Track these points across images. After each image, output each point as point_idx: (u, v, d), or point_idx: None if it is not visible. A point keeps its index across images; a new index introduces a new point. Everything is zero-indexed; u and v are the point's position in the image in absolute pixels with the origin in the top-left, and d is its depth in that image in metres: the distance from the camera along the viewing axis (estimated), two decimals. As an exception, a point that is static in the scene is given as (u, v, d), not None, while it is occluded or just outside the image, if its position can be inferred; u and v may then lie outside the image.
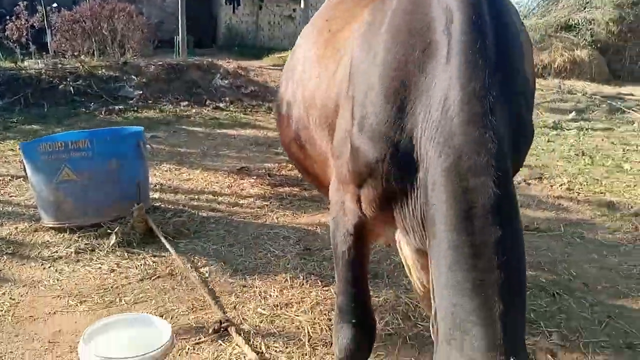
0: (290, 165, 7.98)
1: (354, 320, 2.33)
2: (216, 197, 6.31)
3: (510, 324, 1.44)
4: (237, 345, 3.32)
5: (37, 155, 4.87)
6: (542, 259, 4.83)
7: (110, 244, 4.68)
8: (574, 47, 17.11)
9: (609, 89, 15.08)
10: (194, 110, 11.27)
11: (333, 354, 3.18)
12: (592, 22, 17.38)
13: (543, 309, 3.97)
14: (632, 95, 14.02)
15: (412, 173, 1.67)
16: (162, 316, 3.53)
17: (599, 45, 17.27)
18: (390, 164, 1.72)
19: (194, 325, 3.59)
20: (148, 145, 5.34)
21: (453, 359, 1.45)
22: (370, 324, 2.41)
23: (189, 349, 3.34)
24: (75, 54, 12.03)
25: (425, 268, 1.81)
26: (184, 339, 3.42)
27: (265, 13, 21.12)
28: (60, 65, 11.28)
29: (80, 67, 11.26)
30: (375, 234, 2.19)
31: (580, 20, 17.52)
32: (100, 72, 11.51)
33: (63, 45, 12.01)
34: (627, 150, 9.17)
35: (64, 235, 4.93)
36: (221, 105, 11.68)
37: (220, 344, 3.37)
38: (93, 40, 12.06)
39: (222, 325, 3.49)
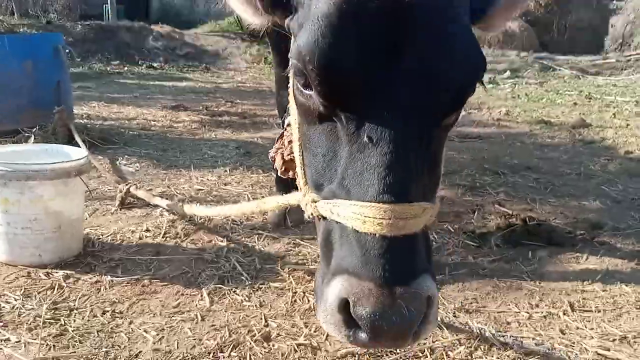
0: (230, 102, 7.69)
1: None
2: (149, 122, 5.92)
3: None
4: (141, 199, 3.07)
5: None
6: (485, 155, 4.80)
7: (28, 147, 4.23)
8: (505, 20, 17.70)
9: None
10: (125, 68, 10.70)
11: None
12: (522, -5, 18.07)
13: (488, 182, 3.91)
14: (562, 56, 14.63)
15: None
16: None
17: (529, 17, 17.94)
18: None
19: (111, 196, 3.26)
20: (69, 50, 4.89)
21: None
22: None
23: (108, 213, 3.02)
24: (-7, 14, 11.16)
25: None
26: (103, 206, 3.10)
27: (200, -12, 20.53)
28: (-25, 23, 10.42)
29: (-1, 24, 10.45)
30: None
31: (510, -6, 18.16)
32: (21, 30, 10.71)
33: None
34: (560, 93, 9.48)
35: (-26, 144, 4.43)
36: (154, 64, 11.17)
37: (133, 212, 3.07)
38: (13, 0, 11.19)
39: (125, 188, 3.14)
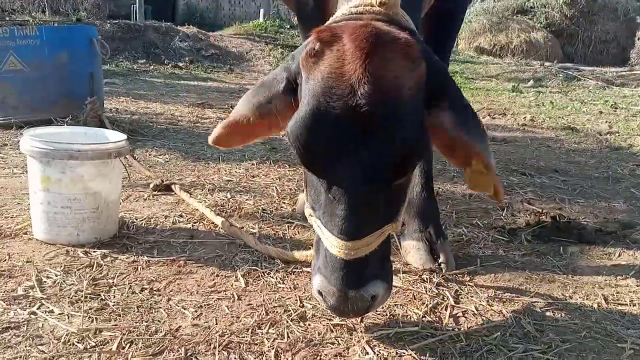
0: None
1: None
2: (176, 117, 6.02)
3: None
4: (182, 200, 3.08)
5: (-20, 42, 4.48)
6: (511, 157, 4.79)
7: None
8: (529, 29, 17.58)
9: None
10: (152, 67, 10.87)
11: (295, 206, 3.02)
12: (547, 5, 17.92)
13: (515, 182, 3.90)
14: (587, 67, 14.47)
15: None
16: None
17: (553, 28, 17.81)
18: None
19: (143, 184, 3.33)
20: (103, 43, 5.00)
21: None
22: None
23: (141, 199, 3.08)
24: (26, 11, 11.43)
25: None
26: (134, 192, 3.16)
27: (226, -9, 20.83)
28: (8, 19, 10.68)
29: (31, 21, 10.68)
30: None
31: (535, 4, 18.04)
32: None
33: (13, 1, 11.39)
34: (584, 103, 9.38)
35: (10, 132, 4.55)
36: (180, 64, 11.32)
37: (165, 198, 3.12)
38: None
39: (164, 183, 3.24)
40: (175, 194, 3.17)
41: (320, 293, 1.55)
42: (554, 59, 16.44)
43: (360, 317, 1.83)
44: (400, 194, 1.60)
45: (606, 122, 7.01)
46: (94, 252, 2.38)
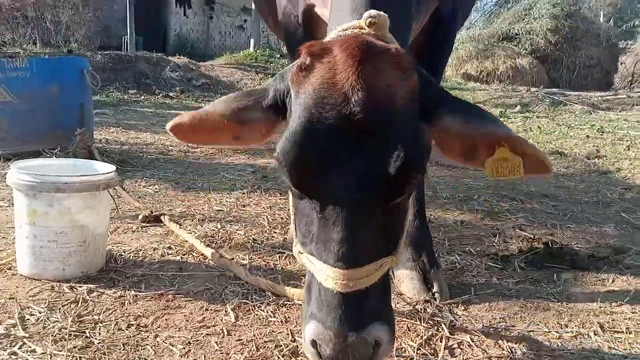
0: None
1: None
2: (167, 147, 6.00)
3: None
4: (171, 230, 3.04)
5: (-30, 74, 4.47)
6: (501, 183, 4.78)
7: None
8: (515, 55, 17.91)
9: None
10: (142, 97, 10.90)
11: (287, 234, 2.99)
12: (532, 32, 18.30)
13: (506, 208, 3.90)
14: (572, 92, 14.71)
15: None
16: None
17: (538, 54, 18.16)
18: None
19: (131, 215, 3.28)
20: (94, 74, 5.01)
21: None
22: None
23: (129, 231, 3.04)
24: (17, 43, 11.48)
25: None
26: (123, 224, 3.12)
27: (216, 23, 21.08)
28: (-2, 52, 10.71)
29: (21, 53, 10.72)
30: None
31: (520, 31, 18.41)
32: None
33: (4, 34, 11.44)
34: (571, 127, 9.50)
35: (-3, 164, 4.50)
36: (171, 94, 11.37)
37: (154, 230, 3.09)
38: (36, 30, 11.52)
39: (153, 214, 3.20)
40: (165, 225, 3.13)
41: (314, 344, 1.37)
42: (539, 85, 16.70)
43: None
44: (398, 220, 1.50)
45: (594, 146, 7.09)
46: (79, 287, 2.32)
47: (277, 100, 1.58)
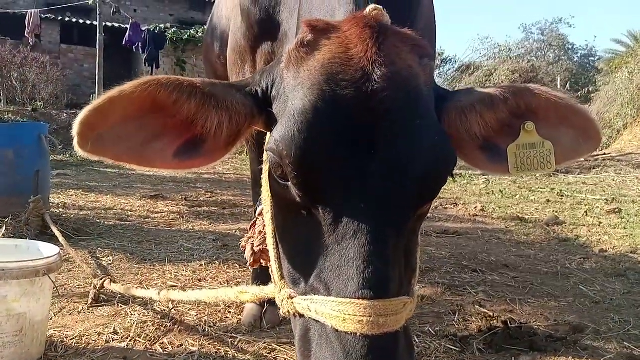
0: (210, 192, 7.71)
1: None
2: (126, 212, 5.86)
3: None
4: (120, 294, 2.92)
5: None
6: (462, 251, 4.82)
7: (-2, 237, 4.11)
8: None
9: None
10: (107, 157, 10.76)
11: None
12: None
13: (467, 281, 3.89)
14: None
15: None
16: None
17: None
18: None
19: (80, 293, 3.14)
20: (52, 139, 4.93)
21: None
22: None
23: (75, 312, 2.89)
24: (-20, 101, 11.32)
25: None
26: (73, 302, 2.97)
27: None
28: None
29: (-17, 111, 10.56)
30: None
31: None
32: (6, 117, 10.83)
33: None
34: (532, 190, 9.76)
35: (-58, 233, 4.29)
36: (137, 153, 11.27)
37: (101, 310, 2.95)
38: (1, 88, 11.42)
39: (99, 283, 3.03)
40: (114, 303, 2.98)
41: None
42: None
43: None
44: (415, 246, 1.20)
45: (553, 211, 7.25)
46: (12, 381, 2.16)
47: (257, 93, 1.25)
